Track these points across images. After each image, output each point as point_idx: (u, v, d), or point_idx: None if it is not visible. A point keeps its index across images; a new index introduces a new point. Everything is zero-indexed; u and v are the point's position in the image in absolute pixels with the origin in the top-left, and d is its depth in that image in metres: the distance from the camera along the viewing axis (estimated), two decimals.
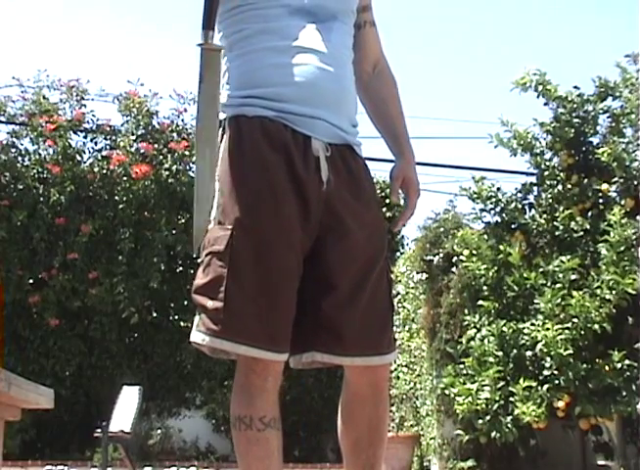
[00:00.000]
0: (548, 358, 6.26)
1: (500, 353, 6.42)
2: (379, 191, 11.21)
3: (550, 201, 6.99)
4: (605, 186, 6.87)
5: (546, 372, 6.29)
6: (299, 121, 2.04)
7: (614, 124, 7.11)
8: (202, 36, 2.08)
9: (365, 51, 2.27)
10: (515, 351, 6.44)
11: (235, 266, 1.97)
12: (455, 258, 7.30)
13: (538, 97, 7.09)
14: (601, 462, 7.21)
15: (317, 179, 2.03)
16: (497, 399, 6.33)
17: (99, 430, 7.09)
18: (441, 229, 7.65)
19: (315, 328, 2.05)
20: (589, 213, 6.88)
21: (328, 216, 2.04)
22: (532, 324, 6.38)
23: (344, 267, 2.05)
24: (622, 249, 6.37)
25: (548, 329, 6.20)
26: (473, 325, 6.70)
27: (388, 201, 11.62)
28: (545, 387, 6.23)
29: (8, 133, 11.21)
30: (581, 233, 6.75)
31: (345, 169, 2.08)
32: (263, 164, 2.01)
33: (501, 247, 6.76)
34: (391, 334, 2.15)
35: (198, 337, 2.04)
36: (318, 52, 2.06)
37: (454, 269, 7.35)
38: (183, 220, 10.95)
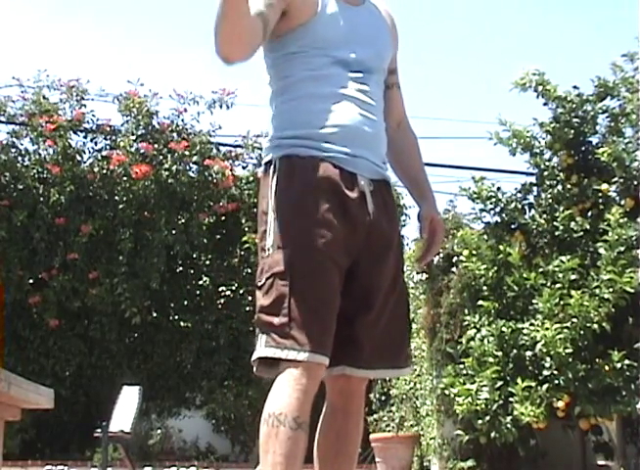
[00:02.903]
0: (548, 358, 6.26)
1: (500, 354, 6.43)
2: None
3: (550, 201, 6.99)
4: (605, 186, 6.87)
5: (546, 372, 6.29)
6: (345, 161, 2.30)
7: (613, 124, 7.12)
8: None
9: (391, 109, 2.55)
10: (514, 351, 6.44)
11: (295, 282, 2.19)
12: (455, 259, 7.30)
13: (538, 97, 7.10)
14: (601, 462, 7.21)
15: (364, 211, 2.30)
16: (497, 399, 6.33)
17: (99, 430, 7.09)
18: None
19: (347, 343, 2.29)
20: (589, 213, 6.88)
21: (368, 243, 2.31)
22: (532, 324, 6.39)
23: (378, 290, 2.33)
24: (622, 249, 6.37)
25: (548, 329, 6.20)
26: (473, 325, 6.71)
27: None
28: (545, 387, 6.23)
29: (8, 133, 11.21)
30: (581, 233, 6.75)
31: (383, 202, 2.38)
32: (318, 198, 2.25)
33: (501, 247, 6.76)
34: (408, 350, 2.43)
35: (269, 352, 2.20)
36: (358, 100, 2.33)
37: (454, 269, 7.35)
38: (183, 220, 10.95)
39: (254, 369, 2.28)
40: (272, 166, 2.32)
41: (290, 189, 2.27)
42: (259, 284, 2.27)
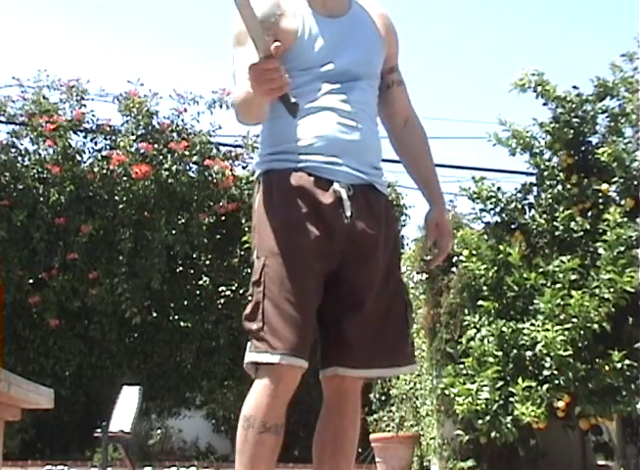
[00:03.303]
0: (548, 358, 6.26)
1: (500, 354, 6.43)
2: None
3: (550, 201, 6.99)
4: (605, 186, 6.88)
5: (546, 372, 6.29)
6: (320, 169, 2.37)
7: (612, 124, 7.12)
8: None
9: (395, 108, 2.59)
10: (515, 351, 6.44)
11: (268, 288, 2.28)
12: (455, 259, 7.30)
13: (537, 97, 7.10)
14: (601, 462, 7.21)
15: (340, 215, 2.34)
16: (497, 399, 6.33)
17: (99, 430, 7.09)
18: None
19: (337, 345, 2.36)
20: (589, 213, 6.88)
21: (352, 245, 2.35)
22: (532, 324, 6.39)
23: (367, 290, 2.36)
24: (622, 249, 6.38)
25: (548, 329, 6.20)
26: (473, 325, 6.70)
27: (395, 203, 11.62)
28: (545, 387, 6.23)
29: (8, 133, 11.21)
30: (581, 233, 6.75)
31: (366, 205, 2.39)
32: (290, 205, 2.34)
33: (501, 247, 6.76)
34: (408, 348, 2.44)
35: (250, 356, 2.31)
36: (338, 110, 2.39)
37: (454, 269, 7.35)
38: (183, 220, 10.96)
39: (251, 374, 2.36)
40: (257, 183, 2.46)
41: (267, 202, 2.38)
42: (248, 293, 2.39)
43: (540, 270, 6.60)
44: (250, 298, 2.33)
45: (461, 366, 6.62)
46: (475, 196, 7.06)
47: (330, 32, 2.45)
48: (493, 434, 6.40)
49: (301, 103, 2.31)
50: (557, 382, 6.24)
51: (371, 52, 2.51)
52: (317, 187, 2.35)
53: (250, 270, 11.13)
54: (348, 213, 2.34)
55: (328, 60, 2.42)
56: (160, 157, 11.04)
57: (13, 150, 11.12)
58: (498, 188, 7.11)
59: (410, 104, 2.63)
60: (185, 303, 11.06)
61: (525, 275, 6.58)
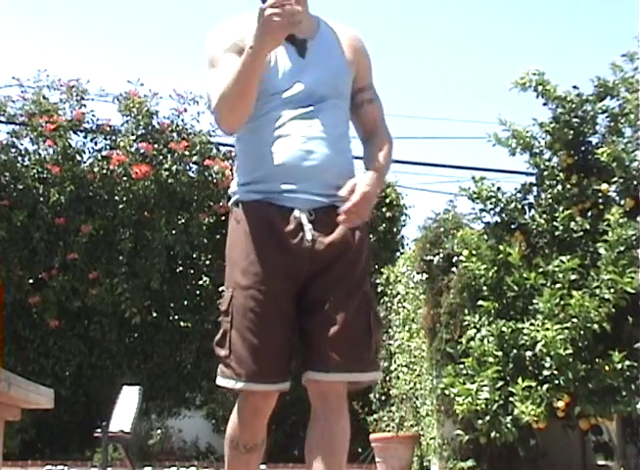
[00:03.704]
0: (548, 358, 6.26)
1: (500, 353, 6.43)
2: (379, 191, 11.18)
3: (550, 201, 6.99)
4: (604, 186, 6.87)
5: (546, 372, 6.29)
6: (282, 198, 2.50)
7: (612, 124, 7.11)
8: None
9: (363, 124, 2.70)
10: (514, 351, 6.44)
11: (235, 319, 2.46)
12: (455, 259, 7.30)
13: (537, 97, 7.10)
14: (601, 462, 7.21)
15: (302, 240, 2.48)
16: (497, 399, 6.33)
17: (99, 430, 7.10)
18: (441, 229, 7.65)
19: (309, 352, 2.51)
20: (589, 213, 6.88)
21: (313, 265, 2.49)
22: (532, 324, 6.38)
23: (334, 302, 2.48)
24: (622, 249, 6.38)
25: (548, 329, 6.20)
26: (473, 325, 6.70)
27: (388, 200, 11.64)
28: (545, 387, 6.23)
29: (8, 133, 11.23)
30: (581, 233, 6.75)
31: (329, 225, 2.49)
32: (253, 237, 2.50)
33: (501, 247, 6.75)
34: (371, 355, 2.53)
35: (218, 380, 2.52)
36: (301, 136, 2.50)
37: (454, 269, 7.35)
38: (183, 220, 10.96)
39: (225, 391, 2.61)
40: (230, 214, 2.61)
41: (236, 234, 2.56)
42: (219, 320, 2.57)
43: (540, 270, 6.60)
44: (220, 325, 2.51)
45: (461, 366, 6.62)
46: (475, 196, 7.05)
47: (297, 59, 2.56)
48: (493, 434, 6.40)
49: (268, 131, 2.49)
50: (557, 382, 6.24)
51: (336, 73, 2.60)
52: (279, 216, 2.49)
53: None
54: (309, 237, 2.47)
55: (294, 82, 2.53)
56: (160, 157, 11.05)
57: (13, 150, 11.13)
58: (498, 188, 7.10)
59: (380, 120, 2.72)
60: (185, 303, 11.07)
61: (524, 275, 6.58)
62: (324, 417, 2.50)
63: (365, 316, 2.53)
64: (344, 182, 2.49)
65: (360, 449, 9.43)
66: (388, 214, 11.61)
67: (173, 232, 10.79)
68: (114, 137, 11.35)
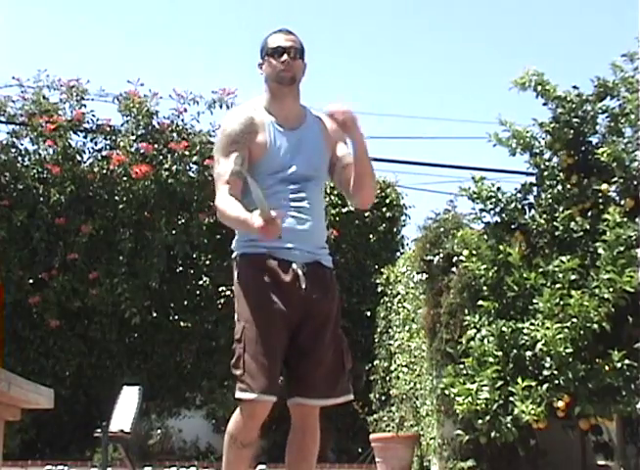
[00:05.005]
0: (548, 358, 6.26)
1: (500, 353, 6.43)
2: (379, 191, 11.21)
3: (550, 201, 6.99)
4: (604, 186, 6.87)
5: (546, 372, 6.30)
6: (282, 253, 3.19)
7: (612, 124, 7.11)
8: None
9: (347, 181, 3.34)
10: (514, 350, 6.44)
11: (247, 346, 3.12)
12: (455, 259, 7.30)
13: (537, 97, 7.10)
14: (601, 462, 7.21)
15: (297, 288, 3.18)
16: (497, 398, 6.33)
17: (99, 430, 7.10)
18: (441, 229, 7.65)
19: (297, 381, 3.23)
20: (589, 214, 6.87)
21: (305, 310, 3.19)
22: (532, 324, 6.39)
23: (320, 345, 3.21)
24: (622, 249, 6.37)
25: (548, 329, 6.20)
26: (473, 325, 6.70)
27: (388, 200, 11.64)
28: (545, 387, 6.23)
29: (8, 133, 11.22)
30: (581, 233, 6.75)
31: (317, 278, 3.24)
32: (259, 284, 3.18)
33: (501, 247, 6.75)
34: (344, 383, 3.27)
35: (237, 394, 3.13)
36: (294, 207, 3.21)
37: (454, 269, 7.35)
38: (183, 220, 10.96)
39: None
40: (234, 261, 3.29)
41: (243, 279, 3.23)
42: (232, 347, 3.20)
43: (540, 270, 6.60)
44: (234, 350, 3.14)
45: (461, 366, 6.62)
46: (475, 196, 7.06)
47: (289, 143, 3.27)
48: (493, 434, 6.40)
49: (268, 201, 3.04)
50: (557, 382, 6.24)
51: (317, 157, 3.32)
52: (279, 267, 3.18)
53: None
54: (304, 286, 3.18)
55: (288, 165, 3.24)
56: (160, 157, 11.05)
57: (13, 150, 11.13)
58: (498, 188, 7.10)
59: (355, 158, 3.33)
60: (185, 303, 11.07)
61: (524, 275, 6.58)
62: (302, 434, 3.25)
63: (340, 354, 3.26)
64: (325, 245, 3.31)
65: (360, 449, 9.43)
66: (388, 214, 11.62)
67: (173, 232, 10.79)
68: (114, 137, 11.34)
